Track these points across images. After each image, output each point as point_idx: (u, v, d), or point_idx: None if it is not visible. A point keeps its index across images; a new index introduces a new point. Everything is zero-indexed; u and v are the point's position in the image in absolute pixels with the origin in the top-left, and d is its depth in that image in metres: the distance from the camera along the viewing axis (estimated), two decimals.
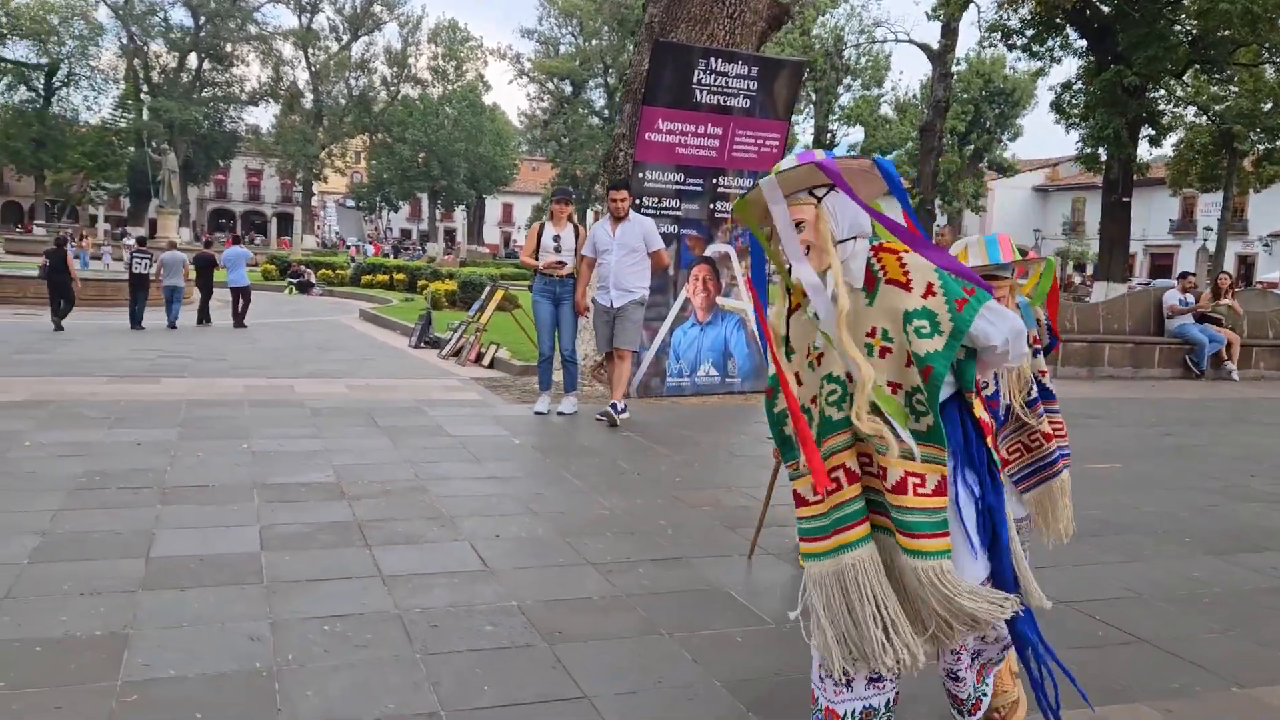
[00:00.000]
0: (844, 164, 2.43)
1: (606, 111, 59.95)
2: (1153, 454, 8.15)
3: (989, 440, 2.51)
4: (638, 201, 8.85)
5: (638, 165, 9.38)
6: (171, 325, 17.42)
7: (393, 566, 4.36)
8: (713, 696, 3.26)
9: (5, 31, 60.98)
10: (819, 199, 2.47)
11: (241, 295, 18.92)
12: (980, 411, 2.51)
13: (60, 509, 4.93)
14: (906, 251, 2.43)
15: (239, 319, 18.50)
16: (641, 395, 9.40)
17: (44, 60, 62.69)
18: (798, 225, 2.44)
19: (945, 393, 2.41)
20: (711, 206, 9.74)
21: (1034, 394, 3.46)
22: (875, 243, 2.50)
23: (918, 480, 2.34)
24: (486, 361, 12.44)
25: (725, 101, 9.51)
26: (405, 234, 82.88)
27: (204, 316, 18.80)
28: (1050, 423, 3.54)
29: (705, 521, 5.37)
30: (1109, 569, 4.89)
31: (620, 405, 7.97)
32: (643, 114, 9.35)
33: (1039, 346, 3.59)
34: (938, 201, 47.65)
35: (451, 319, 16.29)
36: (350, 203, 77.83)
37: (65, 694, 3.04)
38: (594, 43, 60.13)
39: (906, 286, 2.37)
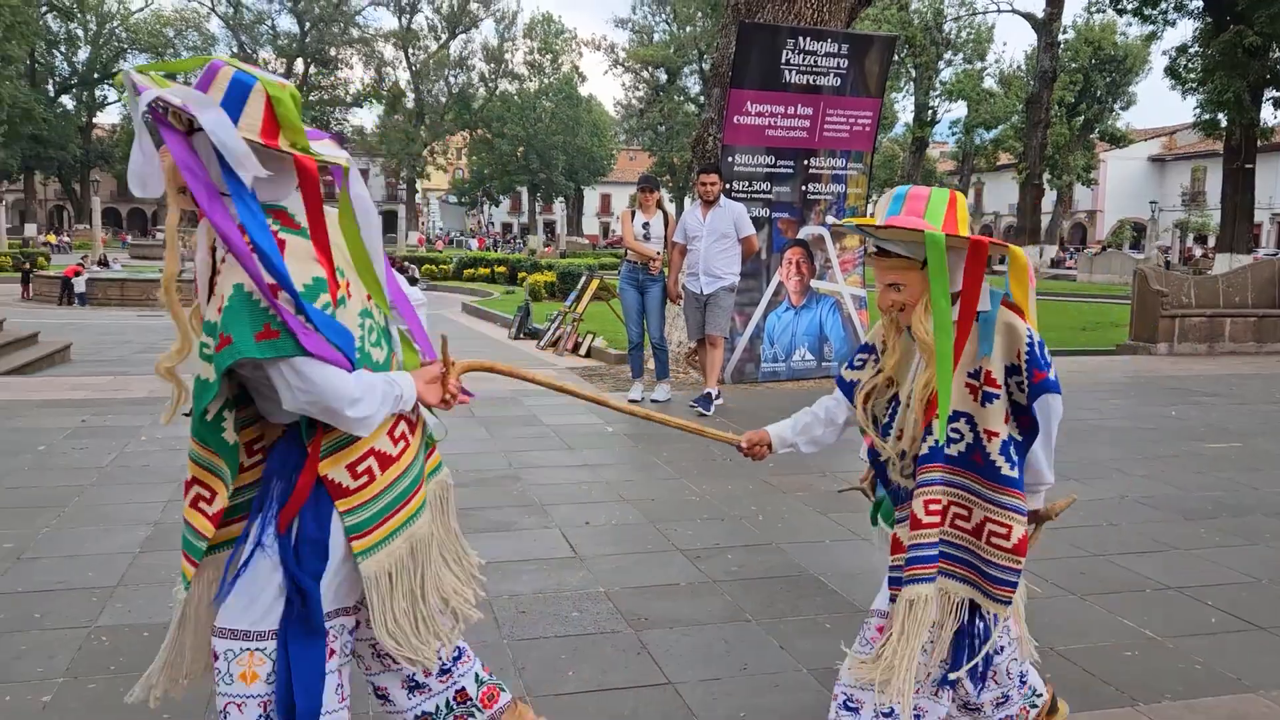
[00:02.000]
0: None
1: (702, 98, 59.72)
2: (1275, 432, 7.73)
3: None
4: (728, 186, 8.77)
5: (727, 149, 9.30)
6: None
7: (484, 553, 4.38)
8: (799, 684, 3.21)
9: (126, 46, 64.08)
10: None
11: None
12: None
13: (170, 500, 5.14)
14: None
15: None
16: (735, 381, 9.34)
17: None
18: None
19: None
20: (803, 188, 9.59)
21: (930, 446, 2.30)
22: None
23: None
24: (583, 351, 12.54)
25: (815, 81, 9.34)
26: (506, 228, 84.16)
27: None
28: (928, 506, 2.30)
29: (797, 507, 5.30)
30: (1225, 553, 4.65)
31: (714, 392, 7.93)
32: (730, 97, 9.25)
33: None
34: (1046, 176, 46.09)
35: (550, 310, 16.48)
36: (452, 199, 79.37)
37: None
38: (688, 29, 59.94)
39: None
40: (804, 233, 9.64)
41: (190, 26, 65.19)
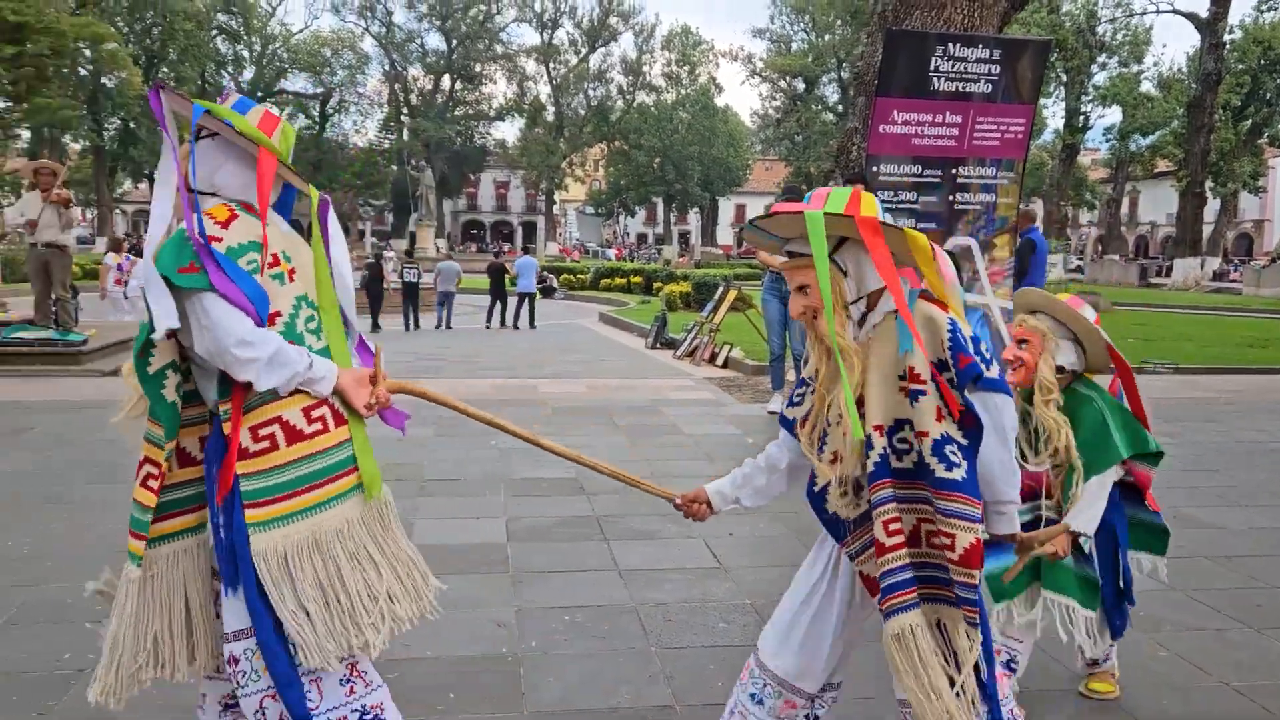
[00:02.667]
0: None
1: (840, 107, 58.96)
2: None
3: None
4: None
5: (871, 159, 9.14)
6: (447, 326, 19.41)
7: (629, 560, 4.47)
8: None
9: (286, 66, 67.64)
10: None
11: (528, 300, 20.50)
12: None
13: None
14: None
15: (524, 320, 20.15)
16: None
17: (319, 90, 69.01)
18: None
19: None
20: (951, 198, 9.34)
21: (874, 462, 2.13)
22: None
23: None
24: (720, 361, 12.53)
25: (964, 88, 9.10)
26: (641, 238, 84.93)
27: (492, 319, 20.55)
28: (888, 527, 2.12)
29: None
30: None
31: None
32: (876, 105, 9.10)
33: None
34: (1208, 183, 43.63)
35: (686, 320, 16.53)
36: (590, 209, 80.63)
37: None
38: (826, 37, 59.34)
39: None
40: (951, 244, 9.37)
41: (345, 46, 68.34)
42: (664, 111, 68.32)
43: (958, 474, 2.04)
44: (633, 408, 8.56)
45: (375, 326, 18.88)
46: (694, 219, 75.90)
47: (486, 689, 3.20)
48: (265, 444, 2.14)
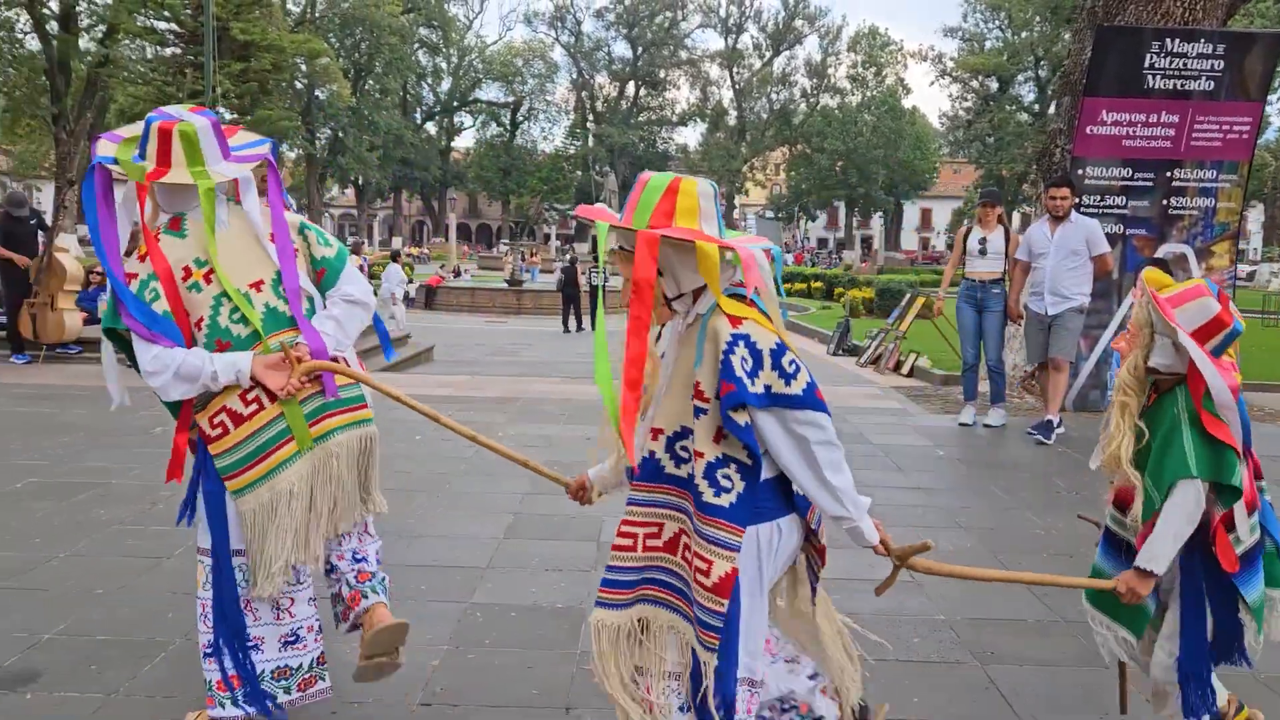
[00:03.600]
0: None
1: (1037, 107, 56.40)
2: None
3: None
4: (1076, 200, 8.23)
5: (1076, 161, 8.73)
6: None
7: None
8: None
9: (480, 76, 70.48)
10: None
11: None
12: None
13: (528, 493, 5.60)
14: None
15: None
16: (1078, 409, 8.73)
17: (510, 99, 71.59)
18: None
19: None
20: (1164, 203, 8.81)
21: (639, 461, 2.19)
22: None
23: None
24: (906, 370, 12.23)
25: (1183, 85, 8.56)
26: (822, 243, 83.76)
27: None
28: (622, 525, 2.20)
29: None
30: None
31: (1055, 420, 7.46)
32: (1083, 106, 8.69)
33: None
34: None
35: (869, 326, 16.22)
36: (770, 214, 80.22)
37: (535, 655, 3.45)
38: (1023, 35, 56.84)
39: None
40: (1163, 251, 8.83)
41: (536, 55, 70.60)
42: (848, 114, 67.17)
43: (725, 500, 2.01)
44: None
45: (570, 328, 19.54)
46: (877, 223, 74.17)
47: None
48: (220, 430, 2.67)
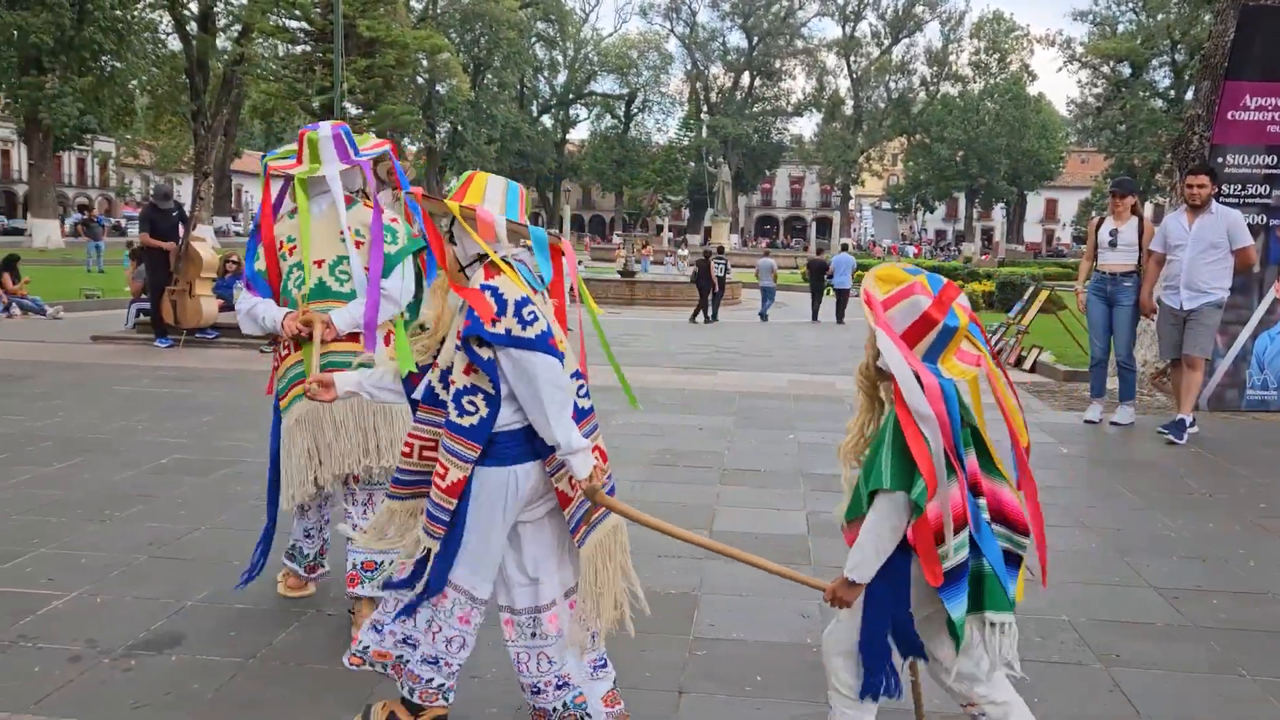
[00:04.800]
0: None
1: (1172, 92, 53.81)
2: None
3: None
4: (1215, 190, 7.84)
5: (1216, 149, 8.33)
6: (762, 316, 20.94)
7: None
8: None
9: (596, 69, 71.07)
10: None
11: (842, 296, 20.81)
12: None
13: (641, 480, 5.66)
14: None
15: (839, 317, 20.34)
16: (1213, 408, 8.34)
17: (625, 91, 72.00)
18: None
19: None
20: None
21: (423, 388, 2.67)
22: None
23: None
24: (1028, 365, 11.87)
25: None
26: (940, 234, 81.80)
27: (815, 315, 21.44)
28: (408, 442, 2.71)
29: None
30: None
31: (1188, 419, 7.14)
32: (1225, 90, 8.27)
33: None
34: None
35: (990, 321, 15.79)
36: (886, 205, 78.69)
37: (650, 640, 3.49)
38: (1159, 17, 54.25)
39: None
40: None
41: (651, 47, 70.81)
42: (970, 102, 65.39)
43: (467, 421, 2.46)
44: None
45: (708, 318, 20.11)
46: (998, 214, 72.05)
47: (792, 676, 3.26)
48: (275, 362, 3.57)
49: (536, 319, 2.41)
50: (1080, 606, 3.91)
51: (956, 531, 2.22)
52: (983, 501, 2.32)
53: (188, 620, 3.58)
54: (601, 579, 2.63)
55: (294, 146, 3.55)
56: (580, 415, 2.57)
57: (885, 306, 2.29)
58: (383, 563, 3.27)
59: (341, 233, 3.43)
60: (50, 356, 10.07)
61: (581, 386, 2.66)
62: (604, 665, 2.75)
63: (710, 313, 20.57)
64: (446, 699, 2.67)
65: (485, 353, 2.42)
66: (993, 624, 2.32)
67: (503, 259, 2.49)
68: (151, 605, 3.69)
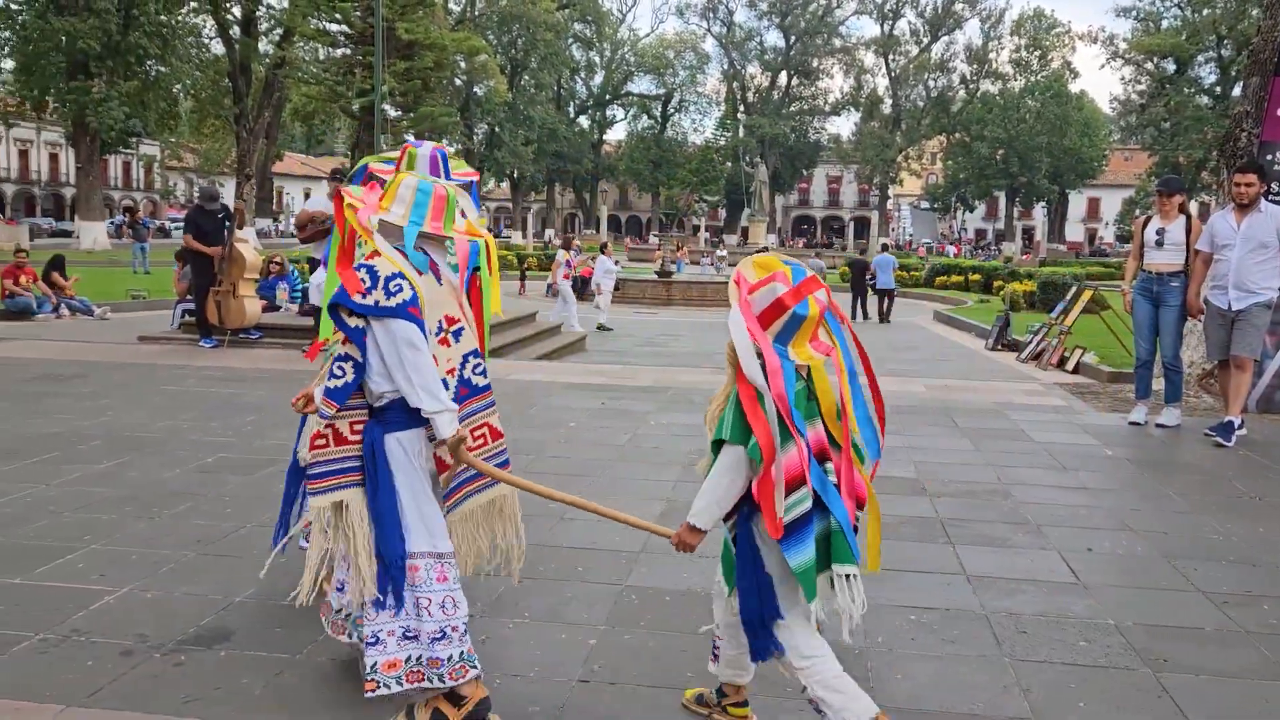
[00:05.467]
0: None
1: (1219, 89, 52.81)
2: None
3: None
4: (1265, 188, 7.70)
5: (1265, 146, 8.18)
6: None
7: (976, 566, 4.34)
8: None
9: (632, 69, 71.13)
10: None
11: (887, 296, 20.71)
12: None
13: (678, 480, 5.66)
14: None
15: (884, 316, 20.30)
16: (1262, 410, 8.19)
17: (661, 91, 71.99)
18: None
19: None
20: None
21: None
22: None
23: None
24: (1070, 366, 11.73)
25: None
26: (980, 234, 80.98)
27: (859, 314, 21.36)
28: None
29: None
30: None
31: (1236, 421, 7.02)
32: (1274, 86, 8.13)
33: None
34: None
35: (1031, 321, 15.60)
36: (925, 204, 78.02)
37: (689, 640, 3.49)
38: (1205, 12, 53.25)
39: None
40: None
41: (687, 47, 70.73)
42: (1010, 100, 64.65)
43: (334, 384, 2.72)
44: (974, 410, 8.24)
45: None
46: (1039, 213, 71.16)
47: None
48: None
49: (402, 290, 2.67)
50: (1127, 610, 3.86)
51: (792, 490, 2.45)
52: (829, 466, 2.57)
53: (236, 616, 3.64)
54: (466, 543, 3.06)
55: (395, 154, 3.68)
56: (473, 391, 2.96)
57: (750, 290, 2.51)
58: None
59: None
60: (98, 357, 10.26)
61: (478, 365, 3.00)
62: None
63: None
64: (474, 665, 2.76)
65: (354, 321, 2.69)
66: (843, 575, 2.55)
67: (397, 249, 2.79)
68: (200, 601, 3.76)
